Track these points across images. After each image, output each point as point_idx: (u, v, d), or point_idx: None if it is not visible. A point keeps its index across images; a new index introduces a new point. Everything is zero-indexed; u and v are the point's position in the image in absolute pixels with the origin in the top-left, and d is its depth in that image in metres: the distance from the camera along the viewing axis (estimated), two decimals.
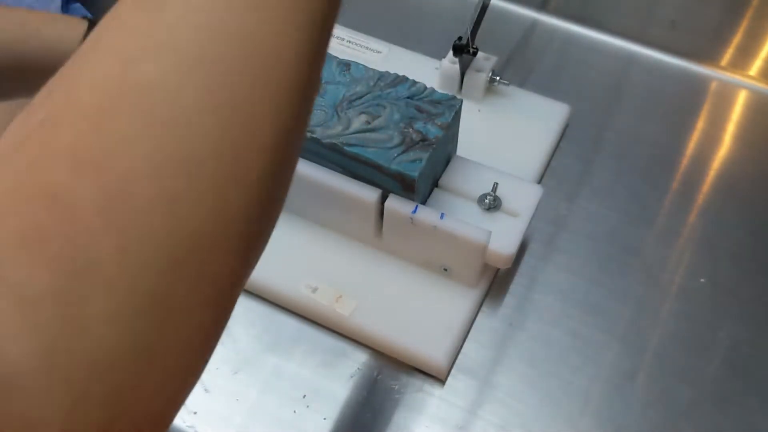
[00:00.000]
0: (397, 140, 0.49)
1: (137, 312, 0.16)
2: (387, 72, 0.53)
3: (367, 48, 0.67)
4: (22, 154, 0.17)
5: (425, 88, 0.53)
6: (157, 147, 0.17)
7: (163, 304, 0.17)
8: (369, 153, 0.49)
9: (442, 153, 0.52)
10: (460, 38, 0.60)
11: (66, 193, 0.17)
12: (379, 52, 0.67)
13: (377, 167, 0.49)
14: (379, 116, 0.51)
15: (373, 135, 0.50)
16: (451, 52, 0.63)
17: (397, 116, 0.51)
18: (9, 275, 0.16)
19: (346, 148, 0.49)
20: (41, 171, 0.17)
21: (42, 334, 0.15)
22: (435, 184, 0.54)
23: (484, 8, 0.61)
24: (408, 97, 0.52)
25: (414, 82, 0.53)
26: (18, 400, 0.15)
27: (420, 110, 0.51)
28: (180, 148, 0.17)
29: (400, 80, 0.53)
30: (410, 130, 0.50)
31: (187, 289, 0.18)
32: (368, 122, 0.51)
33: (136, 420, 0.17)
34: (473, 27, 0.60)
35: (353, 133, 0.49)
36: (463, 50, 0.60)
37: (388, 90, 0.52)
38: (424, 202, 0.52)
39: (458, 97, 0.54)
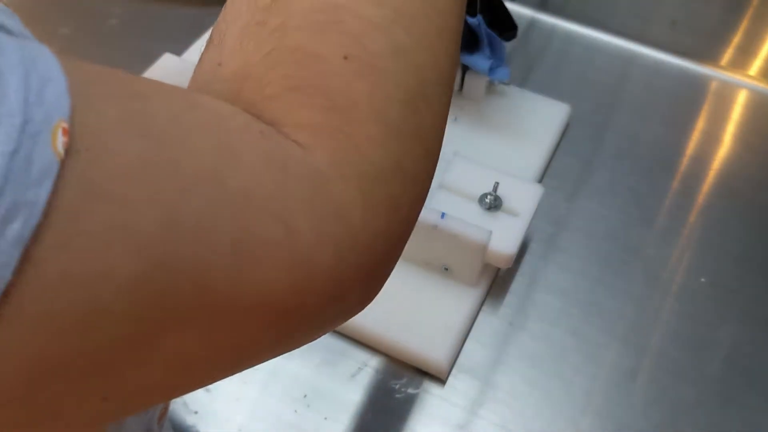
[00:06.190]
0: None
1: (391, 136, 0.21)
2: None
3: None
4: (267, 25, 0.21)
5: None
6: (383, 14, 0.22)
7: (406, 130, 0.21)
8: None
9: None
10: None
11: (315, 50, 0.21)
12: None
13: None
14: None
15: None
16: None
17: None
18: (294, 115, 0.20)
19: None
20: (289, 36, 0.21)
21: (329, 152, 0.20)
22: None
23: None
24: None
25: None
26: (328, 190, 0.19)
27: None
28: (402, 13, 0.22)
29: None
30: None
31: (420, 117, 0.22)
32: None
33: (403, 224, 0.22)
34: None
35: None
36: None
37: None
38: None
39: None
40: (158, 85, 0.18)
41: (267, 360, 0.21)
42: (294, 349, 0.22)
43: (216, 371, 0.20)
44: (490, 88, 0.64)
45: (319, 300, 0.19)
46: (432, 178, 0.24)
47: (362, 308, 0.23)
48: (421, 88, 0.22)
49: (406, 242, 0.23)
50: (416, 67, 0.22)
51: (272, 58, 0.21)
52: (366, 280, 0.21)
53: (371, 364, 0.50)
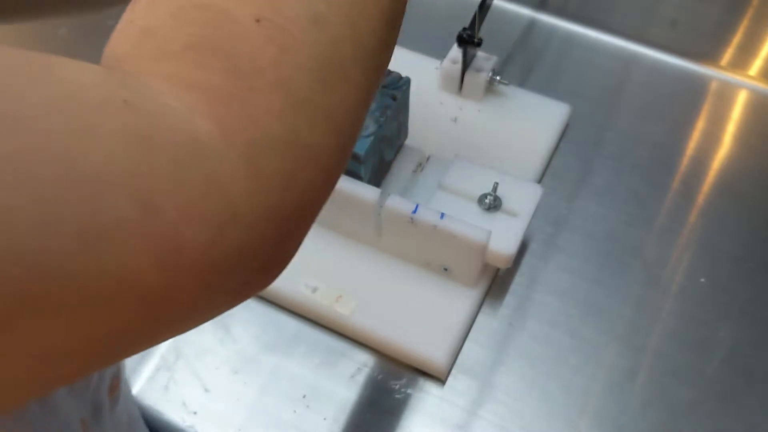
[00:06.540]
0: (372, 129, 0.49)
1: (293, 108, 0.20)
2: None
3: None
4: None
5: (401, 77, 0.53)
6: None
7: (313, 103, 0.20)
8: None
9: (389, 131, 0.52)
10: (464, 29, 0.59)
11: (226, 10, 0.20)
12: None
13: (352, 156, 0.49)
14: None
15: None
16: (451, 52, 0.63)
17: (372, 105, 0.51)
18: (188, 75, 0.19)
19: None
20: None
21: (216, 118, 0.19)
22: (385, 168, 0.55)
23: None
24: (383, 87, 0.52)
25: (389, 72, 0.53)
26: (210, 162, 0.18)
27: (395, 99, 0.51)
28: None
29: None
30: (385, 118, 0.50)
31: (330, 91, 0.21)
32: None
33: (300, 202, 0.21)
34: (478, 17, 0.59)
35: None
36: (468, 42, 0.60)
37: None
38: (369, 181, 0.52)
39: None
40: (3, 58, 0.17)
41: (163, 340, 0.20)
42: (195, 326, 0.21)
43: (95, 359, 0.19)
44: (490, 88, 0.64)
45: (194, 279, 0.18)
46: (344, 160, 0.23)
47: (262, 286, 0.22)
48: (337, 62, 0.21)
49: (309, 221, 0.22)
50: (334, 39, 0.21)
51: (181, 15, 0.20)
52: (254, 258, 0.20)
53: (370, 364, 0.50)
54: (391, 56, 0.26)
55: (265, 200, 0.19)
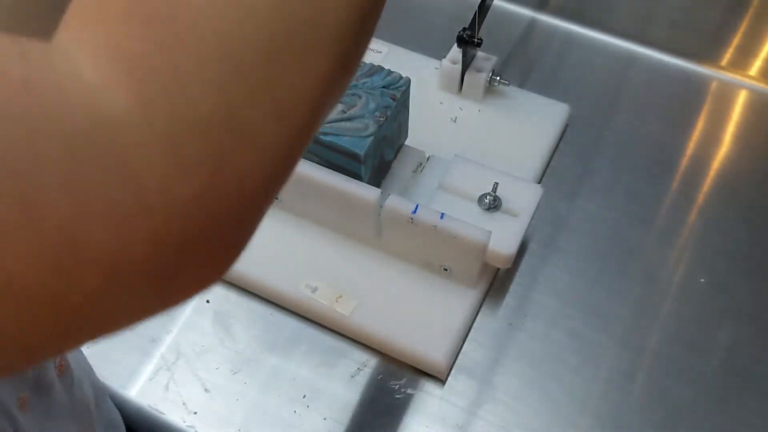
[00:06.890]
0: (372, 129, 0.50)
1: (231, 82, 0.18)
2: (363, 62, 0.53)
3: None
4: None
5: (401, 77, 0.53)
6: None
7: (256, 81, 0.18)
8: (344, 141, 0.49)
9: (389, 131, 0.53)
10: (464, 29, 0.59)
11: None
12: (379, 52, 0.67)
13: (352, 156, 0.49)
14: (354, 105, 0.51)
15: (348, 124, 0.50)
16: (451, 52, 0.63)
17: (372, 105, 0.51)
18: (118, 43, 0.17)
19: (322, 137, 0.49)
20: None
21: (140, 93, 0.17)
22: (385, 168, 0.55)
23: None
24: (383, 87, 0.52)
25: (389, 72, 0.53)
26: (118, 146, 0.16)
27: (395, 99, 0.52)
28: None
29: (375, 70, 0.53)
30: (385, 118, 0.50)
31: (280, 71, 0.19)
32: (344, 111, 0.51)
33: (233, 191, 0.18)
34: (478, 17, 0.59)
35: (329, 122, 0.50)
36: (468, 42, 0.60)
37: (364, 80, 0.53)
38: (369, 181, 0.52)
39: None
40: None
41: (86, 341, 0.18)
42: (126, 327, 0.19)
43: (6, 362, 0.17)
44: (490, 88, 0.64)
45: (98, 279, 0.16)
46: (296, 148, 0.20)
47: (200, 286, 0.19)
48: (290, 39, 0.19)
49: (253, 214, 0.20)
50: (291, 19, 0.19)
51: None
52: (178, 254, 0.18)
53: (370, 364, 0.50)
54: (365, 48, 0.24)
55: (187, 186, 0.17)
